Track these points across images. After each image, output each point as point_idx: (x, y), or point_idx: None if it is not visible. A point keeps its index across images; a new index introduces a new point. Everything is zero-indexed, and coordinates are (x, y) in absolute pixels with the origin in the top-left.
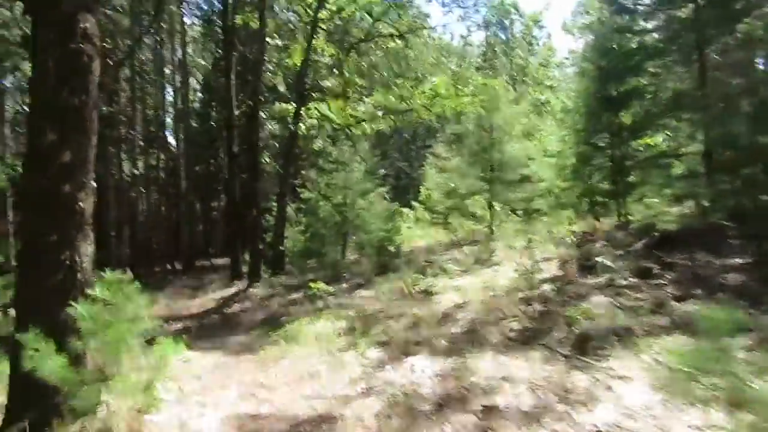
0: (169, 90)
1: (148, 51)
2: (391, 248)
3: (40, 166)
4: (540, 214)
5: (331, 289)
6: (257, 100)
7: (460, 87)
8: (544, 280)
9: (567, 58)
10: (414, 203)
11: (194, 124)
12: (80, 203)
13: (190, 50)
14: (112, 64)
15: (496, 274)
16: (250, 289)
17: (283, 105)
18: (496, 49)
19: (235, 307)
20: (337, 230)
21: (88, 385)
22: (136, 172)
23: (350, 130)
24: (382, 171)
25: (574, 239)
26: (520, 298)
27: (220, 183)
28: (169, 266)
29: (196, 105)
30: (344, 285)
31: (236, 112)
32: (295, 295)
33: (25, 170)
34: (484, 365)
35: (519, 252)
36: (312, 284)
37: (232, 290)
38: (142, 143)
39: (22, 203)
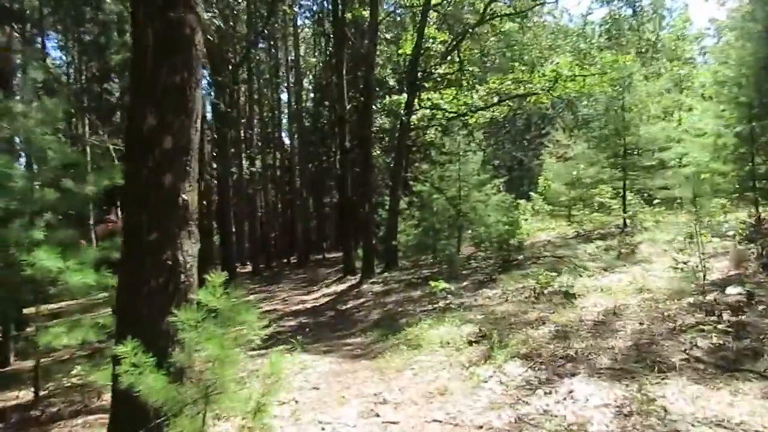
0: (284, 90)
1: (263, 53)
2: (514, 242)
3: (140, 154)
4: (684, 203)
5: (452, 287)
6: (369, 93)
7: (585, 66)
8: (717, 283)
9: (708, 28)
10: (532, 194)
11: (307, 123)
12: (183, 195)
13: (302, 51)
14: (231, 66)
15: (647, 273)
16: (364, 285)
17: (395, 96)
18: (622, 25)
19: (350, 304)
20: (452, 224)
21: (192, 405)
22: (253, 170)
23: (464, 119)
24: (497, 162)
25: (745, 231)
26: (690, 303)
27: (332, 179)
28: (285, 260)
29: (309, 104)
30: (465, 283)
31: (347, 106)
32: (411, 293)
33: (125, 160)
34: (674, 397)
35: (671, 246)
36: (432, 282)
37: (345, 285)
38: (259, 143)
39: (124, 198)
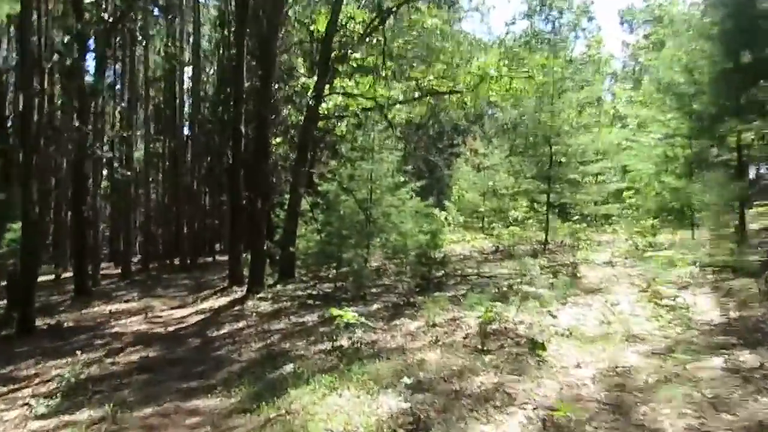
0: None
1: (156, 22)
2: (435, 256)
3: None
4: (609, 220)
5: (361, 318)
6: (269, 63)
7: (512, 68)
8: (728, 329)
9: (622, 51)
10: (446, 203)
11: (206, 112)
12: None
13: (206, 30)
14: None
15: (614, 308)
16: (249, 302)
17: (302, 79)
18: (541, 39)
19: (224, 329)
20: (360, 230)
21: None
22: (137, 155)
23: (385, 112)
24: (409, 166)
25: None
26: (725, 368)
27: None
28: (168, 262)
29: (209, 89)
30: (375, 306)
31: (246, 84)
32: (307, 317)
33: None
34: None
35: (620, 271)
36: (334, 311)
37: (227, 299)
38: (152, 126)
39: None
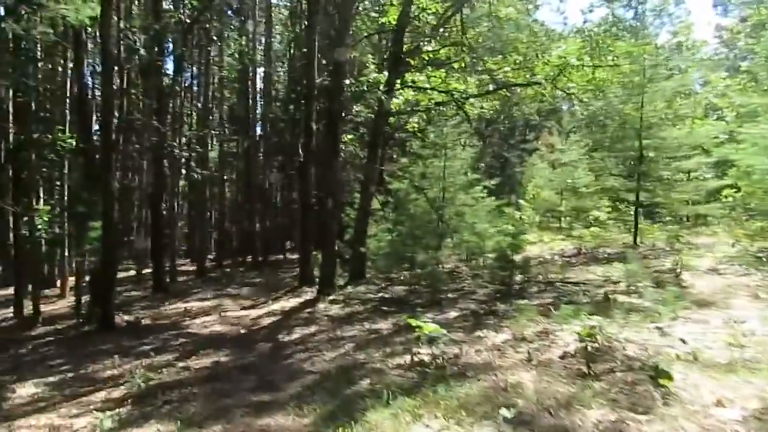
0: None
1: (231, 24)
2: (517, 260)
3: None
4: (706, 222)
5: (442, 330)
6: (340, 56)
7: (594, 56)
8: None
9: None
10: (521, 202)
11: (279, 112)
12: None
13: (277, 31)
14: (180, 24)
15: (740, 326)
16: (320, 304)
17: (374, 74)
18: (623, 26)
19: (295, 333)
20: (432, 231)
21: None
22: (212, 155)
23: (461, 105)
24: (481, 164)
25: None
26: None
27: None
28: (241, 260)
29: (281, 88)
30: (452, 313)
31: (317, 80)
32: (380, 323)
33: None
34: None
35: (733, 280)
36: (411, 320)
37: (298, 301)
38: (226, 126)
39: None
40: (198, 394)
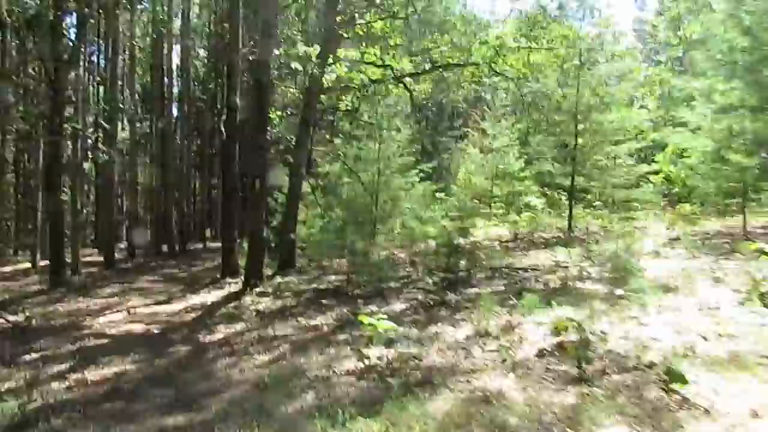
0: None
1: None
2: (463, 245)
3: None
4: (638, 206)
5: (395, 327)
6: (269, 23)
7: (532, 38)
8: None
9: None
10: (453, 187)
11: (198, 92)
12: None
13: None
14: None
15: (720, 314)
16: (247, 297)
17: (303, 47)
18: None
19: (219, 332)
20: (367, 216)
21: None
22: (124, 135)
23: (401, 81)
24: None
25: None
26: None
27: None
28: (156, 250)
29: (199, 65)
30: (397, 305)
31: (243, 50)
32: (319, 319)
33: None
34: None
35: (696, 267)
36: (362, 318)
37: (221, 293)
38: (138, 105)
39: None
40: (93, 418)
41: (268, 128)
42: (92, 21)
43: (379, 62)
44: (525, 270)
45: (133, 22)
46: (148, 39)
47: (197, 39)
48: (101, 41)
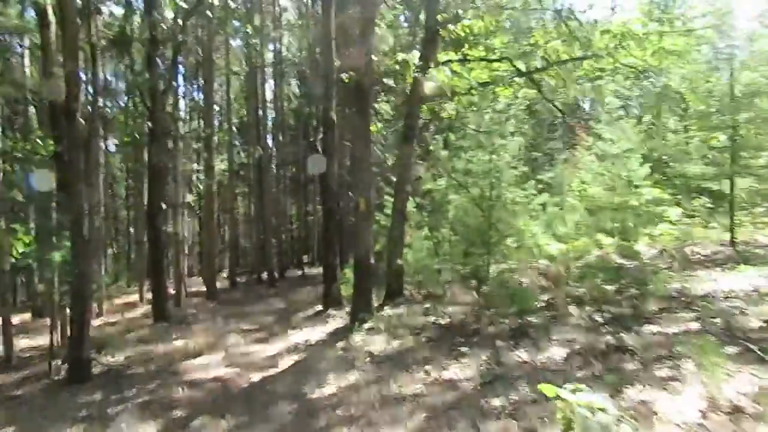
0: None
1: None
2: (629, 267)
3: None
4: None
5: (602, 405)
6: (370, 18)
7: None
8: None
9: None
10: (569, 200)
11: (291, 119)
12: None
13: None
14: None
15: None
16: (355, 336)
17: (401, 55)
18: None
19: (328, 384)
20: (482, 236)
21: None
22: (222, 168)
23: (529, 78)
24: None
25: None
26: None
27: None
28: (257, 277)
29: (292, 97)
30: (555, 352)
31: (336, 63)
32: (454, 369)
33: None
34: None
35: None
36: (544, 388)
37: (324, 330)
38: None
39: None
40: None
41: (372, 140)
42: (188, 50)
43: (493, 57)
44: (710, 298)
45: (228, 53)
46: (242, 69)
47: (290, 68)
48: (199, 72)
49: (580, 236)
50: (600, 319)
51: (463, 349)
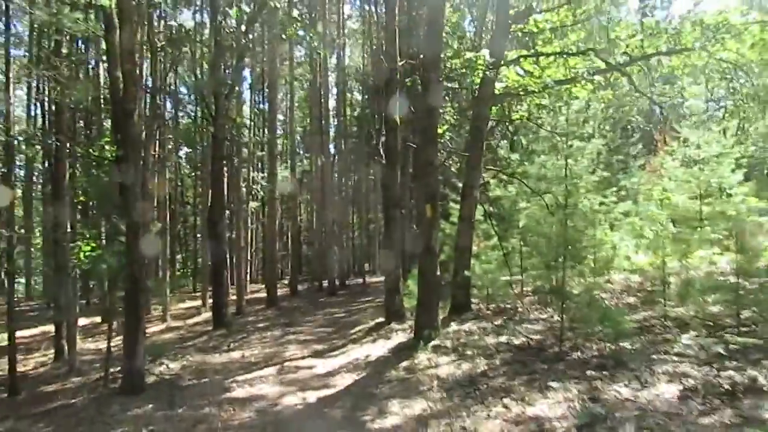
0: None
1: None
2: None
3: None
4: None
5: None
6: (437, 14)
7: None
8: None
9: None
10: (652, 209)
11: (353, 124)
12: None
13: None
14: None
15: None
16: (420, 355)
17: (469, 53)
18: None
19: (392, 412)
20: (556, 246)
21: None
22: (285, 175)
23: (621, 71)
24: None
25: None
26: None
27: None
28: (318, 284)
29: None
30: (663, 389)
31: (399, 63)
32: (540, 403)
33: None
34: None
35: None
36: None
37: (386, 346)
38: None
39: None
40: None
41: (438, 140)
42: (253, 57)
43: (572, 51)
44: None
45: (292, 62)
46: (305, 78)
47: (353, 75)
48: (264, 80)
49: (666, 248)
50: (718, 350)
51: (546, 376)
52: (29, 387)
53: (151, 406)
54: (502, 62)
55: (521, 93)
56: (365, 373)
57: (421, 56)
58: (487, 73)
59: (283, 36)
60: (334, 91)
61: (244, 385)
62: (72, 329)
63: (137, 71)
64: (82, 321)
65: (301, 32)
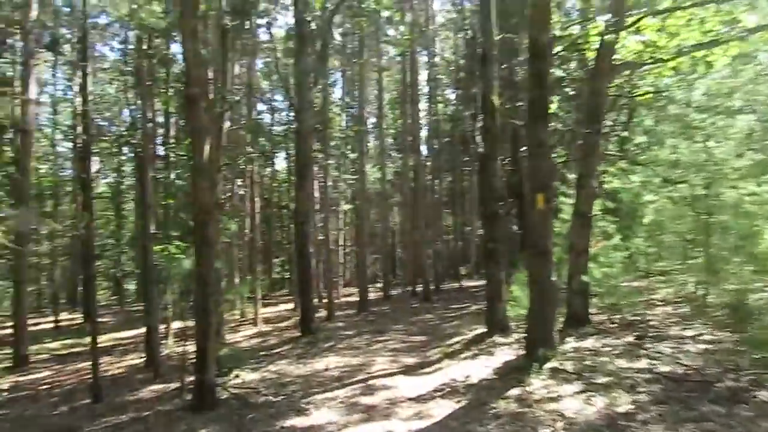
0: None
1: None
2: None
3: None
4: None
5: None
6: None
7: None
8: None
9: None
10: None
11: (446, 125)
12: None
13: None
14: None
15: None
16: (532, 378)
17: (576, 28)
18: None
19: None
20: (692, 247)
21: None
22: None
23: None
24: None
25: None
26: None
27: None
28: (411, 289)
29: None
30: None
31: (497, 35)
32: None
33: None
34: None
35: None
36: None
37: (489, 365)
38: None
39: None
40: None
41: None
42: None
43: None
44: None
45: (380, 57)
46: (395, 79)
47: (444, 71)
48: (355, 79)
49: None
50: None
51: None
52: (114, 392)
53: (217, 427)
54: (625, 25)
55: (649, 61)
56: (465, 400)
57: (525, 12)
58: (603, 42)
59: (371, 27)
60: (426, 90)
61: (323, 406)
62: (153, 334)
63: (200, 51)
64: (178, 324)
65: (385, 13)
